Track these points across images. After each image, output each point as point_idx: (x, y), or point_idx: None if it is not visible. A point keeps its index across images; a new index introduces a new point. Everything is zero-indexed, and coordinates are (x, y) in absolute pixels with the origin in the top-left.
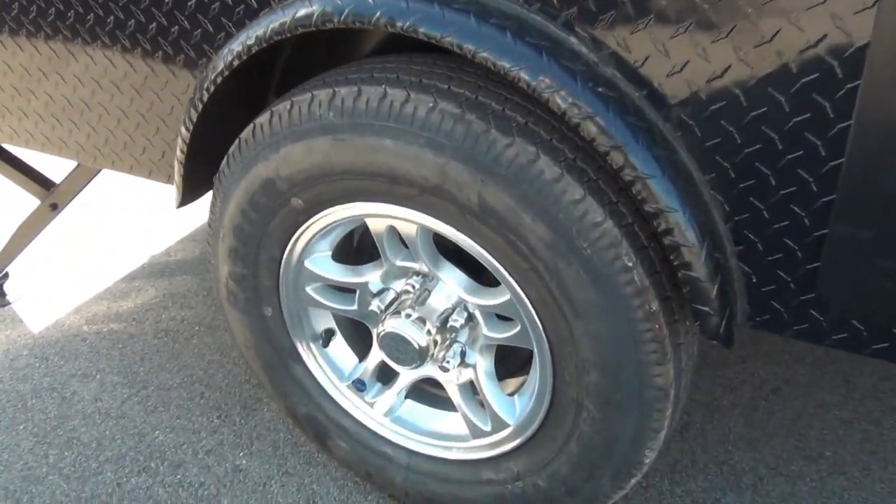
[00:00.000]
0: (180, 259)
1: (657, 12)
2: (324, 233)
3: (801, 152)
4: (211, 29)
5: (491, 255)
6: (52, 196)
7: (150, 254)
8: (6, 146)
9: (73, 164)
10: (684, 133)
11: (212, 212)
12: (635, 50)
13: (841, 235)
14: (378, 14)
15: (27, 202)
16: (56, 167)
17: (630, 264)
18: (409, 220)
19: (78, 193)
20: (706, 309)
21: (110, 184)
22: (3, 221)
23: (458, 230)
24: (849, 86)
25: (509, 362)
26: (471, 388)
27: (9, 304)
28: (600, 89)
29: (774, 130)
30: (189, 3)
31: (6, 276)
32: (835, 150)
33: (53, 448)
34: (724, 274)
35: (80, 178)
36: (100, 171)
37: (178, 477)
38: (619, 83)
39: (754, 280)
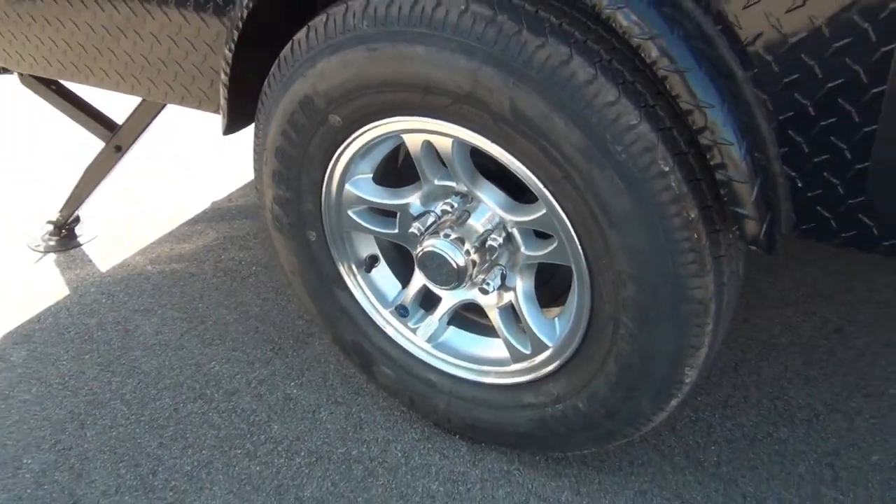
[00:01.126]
0: (240, 204)
1: None
2: (363, 153)
3: (849, 39)
4: None
5: (525, 165)
6: (115, 137)
7: (211, 199)
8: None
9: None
10: (725, 26)
11: (256, 136)
12: None
13: (892, 132)
14: None
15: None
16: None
17: (667, 169)
18: (445, 134)
19: (141, 134)
20: (745, 212)
21: (178, 135)
22: (74, 168)
23: (492, 141)
24: None
25: (550, 289)
26: (512, 313)
27: (80, 245)
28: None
29: (822, 18)
30: None
31: (77, 219)
32: (889, 34)
33: (116, 376)
34: (765, 176)
35: (142, 118)
36: (160, 110)
37: (232, 404)
38: None
39: (799, 184)
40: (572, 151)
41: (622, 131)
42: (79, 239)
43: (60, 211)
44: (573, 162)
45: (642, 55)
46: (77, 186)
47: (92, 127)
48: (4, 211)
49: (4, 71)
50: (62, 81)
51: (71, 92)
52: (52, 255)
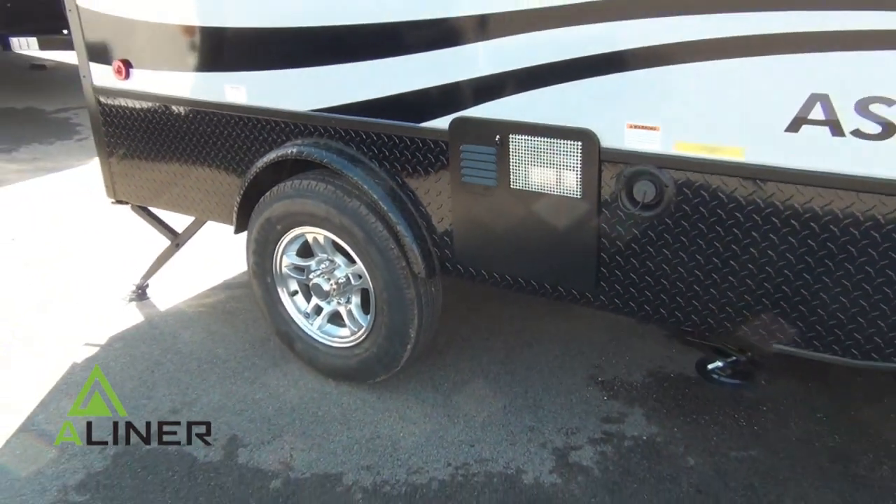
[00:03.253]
0: (240, 281)
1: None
2: (290, 241)
3: (441, 206)
4: (246, 158)
5: (349, 246)
6: (176, 239)
7: (223, 278)
8: (153, 210)
9: (187, 221)
10: (408, 189)
11: (248, 233)
12: (400, 170)
13: (458, 237)
14: (310, 155)
15: (160, 242)
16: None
17: (393, 247)
18: (321, 233)
19: (190, 238)
20: (415, 263)
21: (204, 239)
22: (146, 251)
23: (337, 237)
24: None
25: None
26: (351, 314)
27: (148, 298)
28: (377, 180)
29: (431, 202)
30: (241, 146)
31: (148, 285)
32: (447, 206)
33: (168, 353)
34: (424, 251)
35: (193, 228)
36: (203, 224)
37: (228, 365)
38: (387, 181)
39: (438, 254)
40: (362, 240)
41: (377, 232)
42: (148, 294)
43: (141, 278)
44: (362, 244)
45: (390, 223)
46: (150, 268)
47: (163, 232)
48: (108, 278)
49: (123, 203)
50: (151, 209)
51: (155, 214)
52: (135, 303)
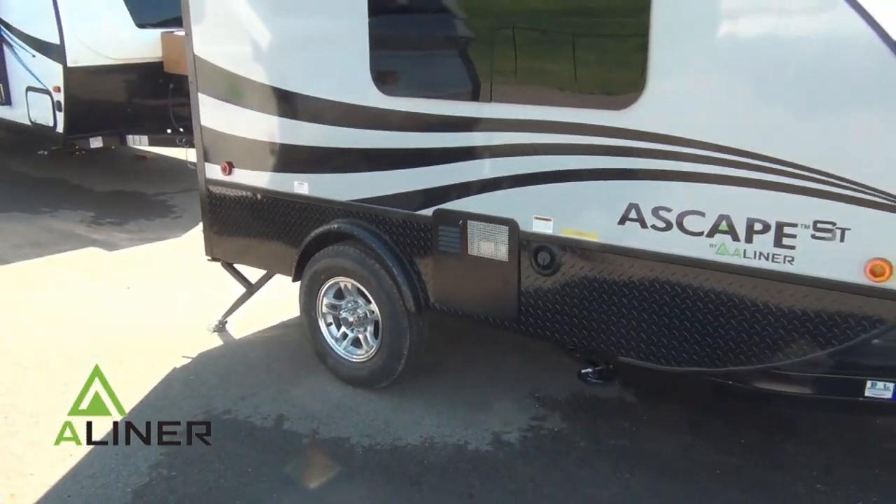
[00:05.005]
0: (296, 323)
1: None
2: (329, 287)
3: (426, 265)
4: (304, 230)
5: (367, 290)
6: (251, 288)
7: (280, 318)
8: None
9: (259, 273)
10: (406, 253)
11: (301, 282)
12: (401, 241)
13: (436, 285)
14: (346, 230)
15: (237, 289)
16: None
17: (394, 291)
18: (350, 282)
19: (263, 286)
20: (408, 302)
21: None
22: (229, 294)
23: (360, 284)
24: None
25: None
26: (365, 338)
27: (226, 330)
28: (387, 247)
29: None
30: (301, 222)
31: (227, 321)
32: (430, 265)
33: (239, 364)
34: (414, 295)
35: (264, 280)
36: (271, 278)
37: (281, 374)
38: (393, 247)
39: (423, 297)
40: (375, 286)
41: (385, 281)
42: (227, 327)
43: (223, 315)
44: (375, 289)
45: (393, 275)
46: (230, 308)
47: (242, 282)
48: (198, 315)
49: (217, 260)
50: (234, 264)
51: (236, 268)
52: (217, 332)
